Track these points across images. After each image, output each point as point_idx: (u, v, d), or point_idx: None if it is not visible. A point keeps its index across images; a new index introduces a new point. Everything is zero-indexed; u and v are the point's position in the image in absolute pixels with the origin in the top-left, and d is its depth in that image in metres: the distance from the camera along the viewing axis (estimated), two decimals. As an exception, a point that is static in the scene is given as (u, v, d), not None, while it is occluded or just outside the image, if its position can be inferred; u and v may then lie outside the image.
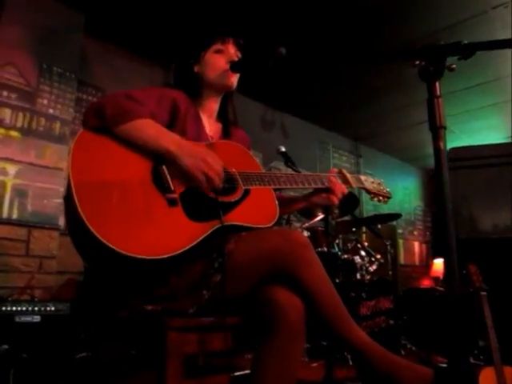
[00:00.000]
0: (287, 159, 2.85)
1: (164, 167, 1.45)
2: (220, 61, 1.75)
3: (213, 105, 1.83)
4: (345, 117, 5.83)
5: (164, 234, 1.33)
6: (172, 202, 1.40)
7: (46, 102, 3.49)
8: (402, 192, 7.35)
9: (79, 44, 3.77)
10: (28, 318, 2.68)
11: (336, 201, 1.74)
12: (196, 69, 1.80)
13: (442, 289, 3.00)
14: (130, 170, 1.41)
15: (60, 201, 3.42)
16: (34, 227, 3.30)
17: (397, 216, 4.21)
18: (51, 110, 3.51)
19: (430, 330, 3.51)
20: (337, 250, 3.86)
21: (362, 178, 1.93)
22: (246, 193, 1.56)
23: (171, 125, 1.61)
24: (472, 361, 3.05)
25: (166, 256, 1.27)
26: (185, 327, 1.33)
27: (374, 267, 4.02)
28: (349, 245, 4.08)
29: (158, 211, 1.37)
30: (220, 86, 1.78)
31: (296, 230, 1.46)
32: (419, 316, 3.63)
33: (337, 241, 4.00)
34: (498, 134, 6.25)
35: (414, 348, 3.80)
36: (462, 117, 5.72)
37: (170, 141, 1.45)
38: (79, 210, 1.24)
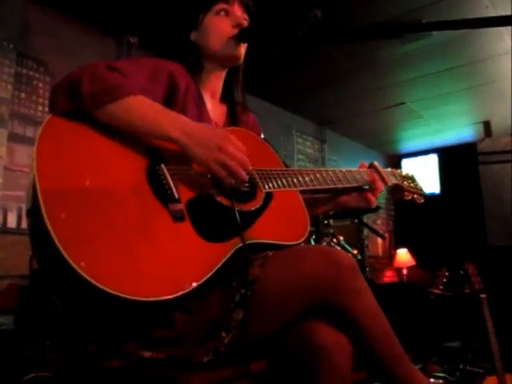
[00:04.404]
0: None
1: (163, 166, 1.16)
2: (224, 24, 1.46)
3: (216, 82, 1.55)
4: (310, 100, 5.63)
5: (171, 262, 1.03)
6: (178, 217, 1.11)
7: (-21, 77, 3.07)
8: (365, 179, 7.23)
9: (19, 10, 3.35)
10: (-37, 337, 2.35)
11: (375, 202, 1.50)
12: (193, 37, 1.50)
13: (437, 291, 2.87)
14: (119, 171, 1.11)
15: (-1, 194, 3.03)
16: (-35, 226, 2.90)
17: (376, 208, 4.05)
18: (-14, 87, 3.09)
19: (422, 334, 3.39)
20: (314, 246, 3.65)
21: (395, 172, 1.71)
22: (268, 198, 1.30)
23: (167, 106, 1.31)
24: (469, 368, 2.96)
25: (177, 295, 0.98)
26: (208, 385, 1.05)
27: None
28: (325, 240, 3.88)
29: (161, 230, 1.07)
30: (224, 56, 1.49)
31: (339, 250, 1.20)
32: (407, 317, 3.51)
33: (313, 236, 3.79)
34: (468, 119, 6.24)
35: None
36: (432, 101, 5.66)
37: (172, 124, 1.15)
38: (51, 232, 0.92)
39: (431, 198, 7.17)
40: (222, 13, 1.47)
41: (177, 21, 1.57)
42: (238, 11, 1.48)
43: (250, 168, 1.27)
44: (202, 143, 1.14)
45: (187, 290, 1.00)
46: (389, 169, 1.72)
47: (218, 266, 1.08)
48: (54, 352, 2.50)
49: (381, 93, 5.44)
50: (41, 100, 3.51)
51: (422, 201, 1.76)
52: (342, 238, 3.99)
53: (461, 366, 2.97)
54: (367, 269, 4.11)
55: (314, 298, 1.14)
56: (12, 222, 3.22)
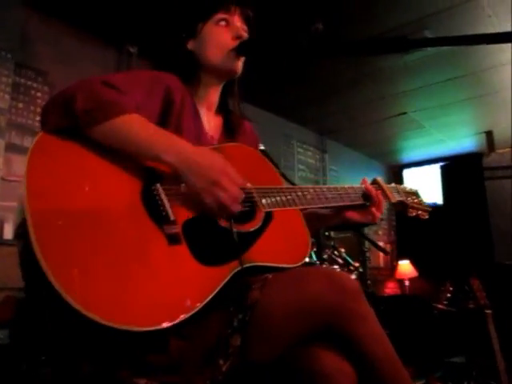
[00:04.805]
0: (268, 160, 2.60)
1: (158, 186, 1.12)
2: (224, 35, 1.41)
3: (213, 95, 1.50)
4: (311, 110, 5.62)
5: (167, 288, 0.99)
6: (173, 239, 1.07)
7: (-24, 87, 3.06)
8: (366, 189, 7.18)
9: (18, 19, 3.35)
10: (-43, 352, 2.30)
11: (378, 218, 1.47)
12: (190, 46, 1.45)
13: (442, 306, 2.83)
14: (112, 191, 1.07)
15: (-5, 205, 3.00)
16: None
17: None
18: (-17, 97, 3.07)
19: (425, 348, 3.34)
20: (315, 259, 3.61)
21: (399, 187, 1.67)
22: (268, 217, 1.26)
23: (162, 122, 1.27)
24: (473, 385, 2.91)
25: (175, 322, 0.95)
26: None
27: (354, 277, 3.82)
28: (326, 252, 3.84)
29: (156, 254, 1.03)
30: (222, 69, 1.44)
31: (343, 272, 1.16)
32: (410, 331, 3.47)
33: (314, 248, 3.74)
34: (470, 129, 6.22)
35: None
36: (434, 111, 5.64)
37: (167, 147, 1.11)
38: (41, 259, 0.89)
39: (434, 208, 7.08)
40: (222, 23, 1.42)
41: (174, 28, 1.52)
42: (238, 22, 1.44)
43: (249, 185, 1.24)
44: (198, 173, 1.10)
45: (185, 317, 0.96)
46: (393, 184, 1.69)
47: (216, 290, 1.04)
48: (48, 367, 2.45)
49: (382, 103, 5.42)
50: (39, 110, 3.47)
51: (427, 217, 1.72)
52: (343, 250, 3.95)
53: (465, 383, 2.92)
54: (369, 281, 4.06)
55: (316, 322, 1.09)
56: (8, 233, 3.18)
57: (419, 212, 1.70)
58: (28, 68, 3.47)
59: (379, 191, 1.56)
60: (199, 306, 0.99)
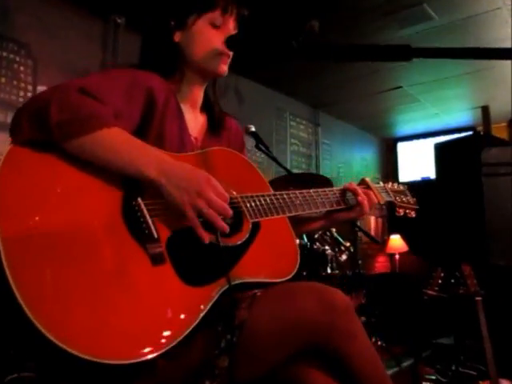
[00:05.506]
0: (258, 141, 2.56)
1: (140, 201, 1.06)
2: (215, 38, 1.35)
3: (197, 93, 1.45)
4: (304, 83, 5.50)
5: (152, 314, 0.94)
6: (157, 259, 1.01)
7: (-45, 61, 2.94)
8: (359, 163, 7.19)
9: (-3, -12, 3.18)
10: None
11: (367, 211, 1.44)
12: (178, 37, 1.37)
13: (432, 292, 2.81)
14: (90, 208, 1.00)
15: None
16: None
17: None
18: (-38, 71, 2.96)
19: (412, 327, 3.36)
20: (305, 240, 3.59)
21: (387, 186, 1.64)
22: (255, 228, 1.20)
23: (143, 127, 1.21)
24: (461, 369, 2.93)
25: (159, 354, 0.90)
26: None
27: (344, 257, 3.82)
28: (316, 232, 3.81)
29: (139, 277, 0.98)
30: (207, 71, 1.39)
31: (333, 289, 1.11)
32: (398, 310, 3.48)
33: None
34: (466, 104, 6.17)
35: (384, 344, 3.66)
36: (431, 85, 5.56)
37: (149, 161, 1.06)
38: (14, 288, 0.83)
39: (427, 183, 7.03)
40: (217, 22, 1.36)
41: (165, 12, 1.43)
42: (231, 24, 1.38)
43: (235, 193, 1.19)
44: (180, 185, 1.06)
45: (172, 345, 0.92)
46: (381, 183, 1.65)
47: (203, 313, 1.00)
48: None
49: (377, 76, 5.33)
50: (22, 85, 3.37)
51: (414, 216, 1.70)
52: (334, 229, 3.92)
53: (453, 368, 2.95)
54: (360, 261, 4.06)
55: (305, 341, 1.08)
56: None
57: (407, 211, 1.68)
58: (9, 40, 3.33)
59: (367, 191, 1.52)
60: (186, 331, 0.95)
